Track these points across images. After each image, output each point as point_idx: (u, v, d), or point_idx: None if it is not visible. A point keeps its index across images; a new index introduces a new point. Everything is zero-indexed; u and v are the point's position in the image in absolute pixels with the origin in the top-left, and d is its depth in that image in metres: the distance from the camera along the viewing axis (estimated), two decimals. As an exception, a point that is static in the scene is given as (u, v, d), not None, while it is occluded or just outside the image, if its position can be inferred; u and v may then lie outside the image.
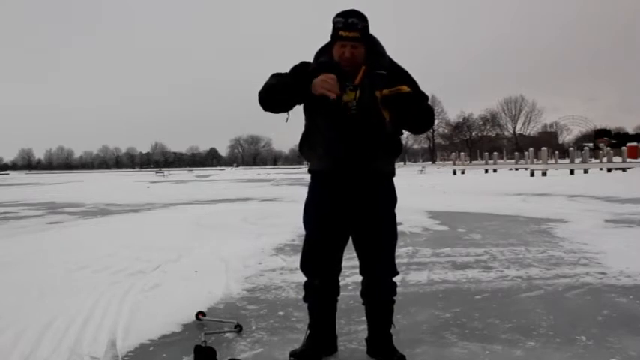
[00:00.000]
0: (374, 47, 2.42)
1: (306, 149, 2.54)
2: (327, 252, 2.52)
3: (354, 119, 2.34)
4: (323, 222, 2.49)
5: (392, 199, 2.54)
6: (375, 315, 2.60)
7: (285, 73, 2.41)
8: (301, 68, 2.41)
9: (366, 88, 2.35)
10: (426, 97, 2.44)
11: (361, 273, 2.60)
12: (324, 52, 2.46)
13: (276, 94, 2.34)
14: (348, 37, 2.31)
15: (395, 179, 2.59)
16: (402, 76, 2.42)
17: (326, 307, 2.62)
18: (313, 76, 2.27)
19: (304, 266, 2.60)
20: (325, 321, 2.64)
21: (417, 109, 2.32)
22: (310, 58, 2.49)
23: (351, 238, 2.56)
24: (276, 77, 2.38)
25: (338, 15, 2.34)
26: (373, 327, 2.61)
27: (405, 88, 2.27)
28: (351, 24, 2.30)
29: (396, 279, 2.62)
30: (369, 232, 2.49)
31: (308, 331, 2.66)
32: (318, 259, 2.54)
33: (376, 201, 2.46)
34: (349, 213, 2.46)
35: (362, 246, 2.54)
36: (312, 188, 2.58)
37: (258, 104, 2.40)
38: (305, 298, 2.65)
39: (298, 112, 2.55)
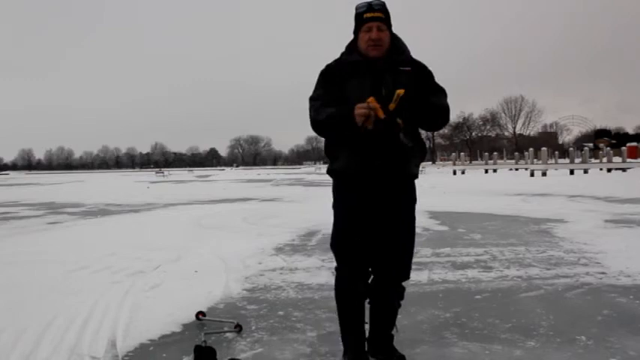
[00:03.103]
0: (396, 43, 2.45)
1: (333, 147, 2.46)
2: (358, 241, 2.45)
3: (385, 121, 2.27)
4: (353, 218, 2.43)
5: (414, 200, 2.51)
6: (380, 317, 2.58)
7: (331, 110, 2.32)
8: (336, 101, 2.34)
9: (391, 87, 2.31)
10: (439, 90, 2.43)
11: (372, 272, 2.53)
12: (351, 49, 2.47)
13: (329, 132, 2.39)
14: (373, 18, 2.35)
15: None
16: (424, 72, 2.44)
17: (359, 306, 2.52)
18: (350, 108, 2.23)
19: (337, 245, 2.51)
20: (358, 324, 2.53)
21: (423, 108, 2.32)
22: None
23: None
24: (321, 112, 2.34)
25: (359, 4, 2.41)
26: (375, 328, 2.59)
27: (400, 92, 2.21)
28: (374, 6, 2.37)
29: None
30: (389, 233, 2.43)
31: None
32: (350, 244, 2.46)
33: (399, 202, 2.44)
34: (374, 214, 2.42)
35: (380, 246, 2.46)
36: (339, 190, 2.50)
37: (310, 120, 2.41)
38: (337, 294, 2.55)
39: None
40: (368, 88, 2.31)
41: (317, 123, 2.37)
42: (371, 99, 2.18)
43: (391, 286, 2.51)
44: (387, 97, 2.25)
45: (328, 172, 2.51)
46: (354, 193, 2.41)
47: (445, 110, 2.40)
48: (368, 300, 2.58)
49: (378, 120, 2.19)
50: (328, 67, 2.46)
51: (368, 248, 2.47)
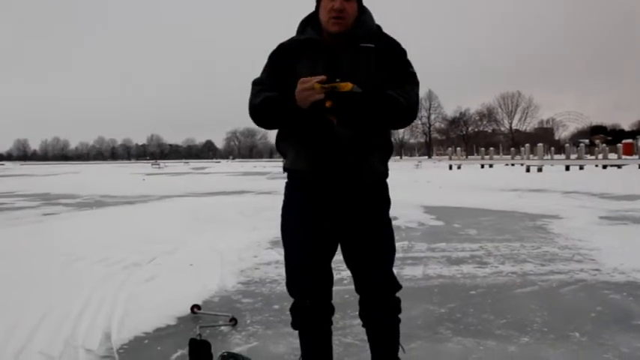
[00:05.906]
0: (361, 16, 1.97)
1: (282, 142, 2.06)
2: (315, 266, 2.07)
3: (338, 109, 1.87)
4: (308, 232, 2.02)
5: (386, 202, 2.10)
6: (379, 340, 2.14)
7: (270, 94, 1.94)
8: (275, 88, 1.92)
9: (348, 70, 1.88)
10: (408, 76, 1.98)
11: (357, 291, 2.13)
12: (305, 24, 2.02)
13: (266, 118, 1.98)
14: None
15: (390, 173, 2.15)
16: (392, 51, 1.98)
17: (322, 332, 2.18)
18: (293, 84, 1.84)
19: (291, 285, 2.12)
20: (322, 350, 2.19)
21: (379, 105, 1.86)
22: None
23: (340, 252, 2.13)
24: (259, 96, 1.95)
25: None
26: (377, 354, 2.16)
27: (347, 86, 1.77)
28: None
29: None
30: (362, 242, 2.03)
31: None
32: (306, 276, 2.08)
33: (368, 206, 2.02)
34: (337, 221, 2.01)
35: (355, 260, 2.07)
36: (290, 191, 2.10)
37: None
38: (294, 325, 2.19)
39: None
40: (320, 74, 1.82)
41: (252, 108, 1.96)
42: (319, 79, 1.78)
43: (384, 301, 2.10)
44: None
45: (284, 170, 2.12)
46: (307, 196, 2.00)
47: (408, 108, 1.91)
48: (362, 323, 2.18)
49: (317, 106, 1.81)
50: (280, 47, 2.02)
51: (329, 271, 2.13)
